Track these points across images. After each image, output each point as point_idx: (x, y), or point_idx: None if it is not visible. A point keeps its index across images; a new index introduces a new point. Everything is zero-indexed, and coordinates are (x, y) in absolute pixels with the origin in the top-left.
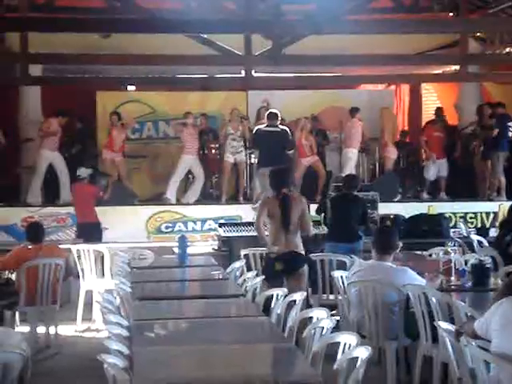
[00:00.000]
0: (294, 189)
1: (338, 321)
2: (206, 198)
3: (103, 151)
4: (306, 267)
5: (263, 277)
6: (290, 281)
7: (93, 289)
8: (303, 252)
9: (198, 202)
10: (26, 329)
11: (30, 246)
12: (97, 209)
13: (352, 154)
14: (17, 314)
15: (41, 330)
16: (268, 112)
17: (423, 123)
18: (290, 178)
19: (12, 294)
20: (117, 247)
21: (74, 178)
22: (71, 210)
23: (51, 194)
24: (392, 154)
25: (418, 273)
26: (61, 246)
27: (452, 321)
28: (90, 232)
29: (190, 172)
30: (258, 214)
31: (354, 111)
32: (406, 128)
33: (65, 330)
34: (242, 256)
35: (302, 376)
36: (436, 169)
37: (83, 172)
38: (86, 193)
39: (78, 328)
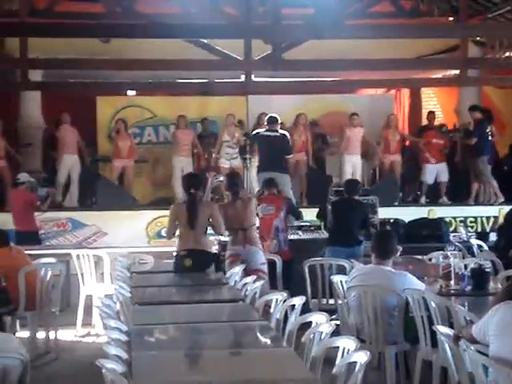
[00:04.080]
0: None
1: (337, 325)
2: None
3: (113, 160)
4: (213, 267)
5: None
6: None
7: (92, 294)
8: (212, 252)
9: None
10: (25, 334)
11: None
12: (97, 213)
13: (345, 159)
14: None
15: (40, 335)
16: (268, 116)
17: None
18: (200, 180)
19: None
20: (117, 252)
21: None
22: (72, 214)
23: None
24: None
25: (417, 277)
26: (62, 251)
27: (451, 325)
28: (26, 241)
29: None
30: (170, 218)
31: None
32: (406, 132)
33: (64, 334)
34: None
35: (301, 381)
36: (434, 173)
37: (23, 177)
38: (22, 199)
39: (77, 333)
